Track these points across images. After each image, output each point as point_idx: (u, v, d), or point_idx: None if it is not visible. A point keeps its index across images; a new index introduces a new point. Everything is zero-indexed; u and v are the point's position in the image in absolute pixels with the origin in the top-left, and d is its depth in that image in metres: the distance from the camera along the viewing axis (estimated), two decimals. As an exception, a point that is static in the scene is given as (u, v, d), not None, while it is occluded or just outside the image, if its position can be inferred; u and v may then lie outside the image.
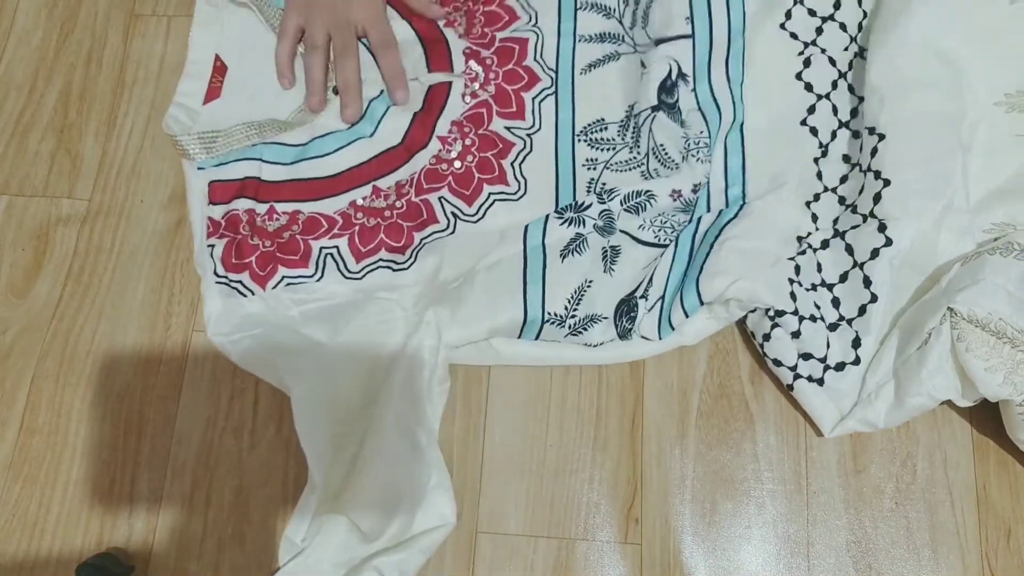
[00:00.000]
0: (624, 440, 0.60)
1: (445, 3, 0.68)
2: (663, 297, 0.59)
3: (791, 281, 0.59)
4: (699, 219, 0.62)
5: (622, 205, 0.62)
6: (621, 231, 0.62)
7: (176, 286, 0.65)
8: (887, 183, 0.59)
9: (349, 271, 0.61)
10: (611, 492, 0.59)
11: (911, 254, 0.59)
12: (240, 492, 0.60)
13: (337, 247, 0.62)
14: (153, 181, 0.68)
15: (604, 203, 0.62)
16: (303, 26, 0.66)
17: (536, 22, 0.67)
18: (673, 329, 0.59)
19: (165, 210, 0.67)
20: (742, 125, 0.65)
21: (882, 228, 0.59)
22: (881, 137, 0.60)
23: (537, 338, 0.59)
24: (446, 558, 0.58)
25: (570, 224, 0.61)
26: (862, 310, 0.58)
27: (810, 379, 0.58)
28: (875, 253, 0.58)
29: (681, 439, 0.60)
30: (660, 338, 0.59)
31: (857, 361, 0.58)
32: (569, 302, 0.59)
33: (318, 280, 0.61)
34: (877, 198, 0.59)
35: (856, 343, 0.58)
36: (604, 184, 0.63)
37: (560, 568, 0.58)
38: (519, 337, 0.60)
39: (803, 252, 0.60)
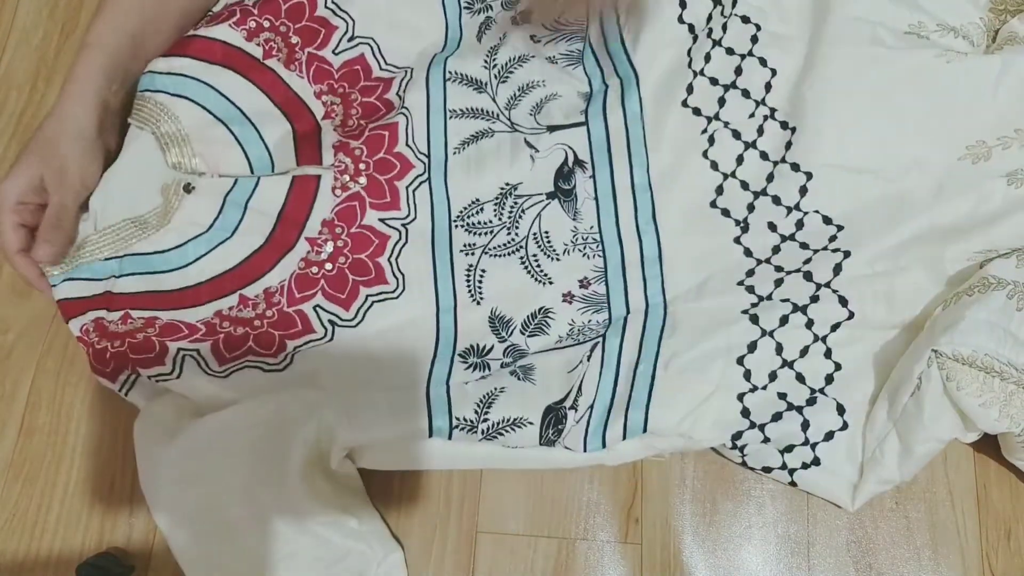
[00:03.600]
0: (624, 440, 0.60)
1: (319, 78, 0.65)
2: (591, 407, 0.56)
3: (740, 396, 0.57)
4: (623, 324, 0.59)
5: (524, 334, 0.60)
6: (535, 353, 0.59)
7: (176, 286, 0.64)
8: (847, 255, 0.59)
9: (211, 370, 0.58)
10: (611, 492, 0.59)
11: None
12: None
13: (198, 350, 0.58)
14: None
15: (504, 340, 0.60)
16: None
17: (404, 103, 0.63)
18: (604, 446, 0.56)
19: (165, 210, 0.67)
20: (654, 215, 0.62)
21: (843, 302, 0.58)
22: (831, 222, 0.60)
23: (451, 439, 0.56)
24: (446, 558, 0.58)
25: (475, 368, 0.59)
26: (828, 379, 0.57)
27: (805, 466, 0.57)
28: (835, 327, 0.58)
29: (681, 439, 0.60)
30: (584, 451, 0.56)
31: (845, 426, 0.57)
32: (478, 407, 0.55)
33: (177, 377, 0.57)
34: (837, 269, 0.59)
35: (840, 409, 0.57)
36: (483, 271, 0.61)
37: (560, 568, 0.58)
38: (431, 437, 0.56)
39: (756, 341, 0.58)
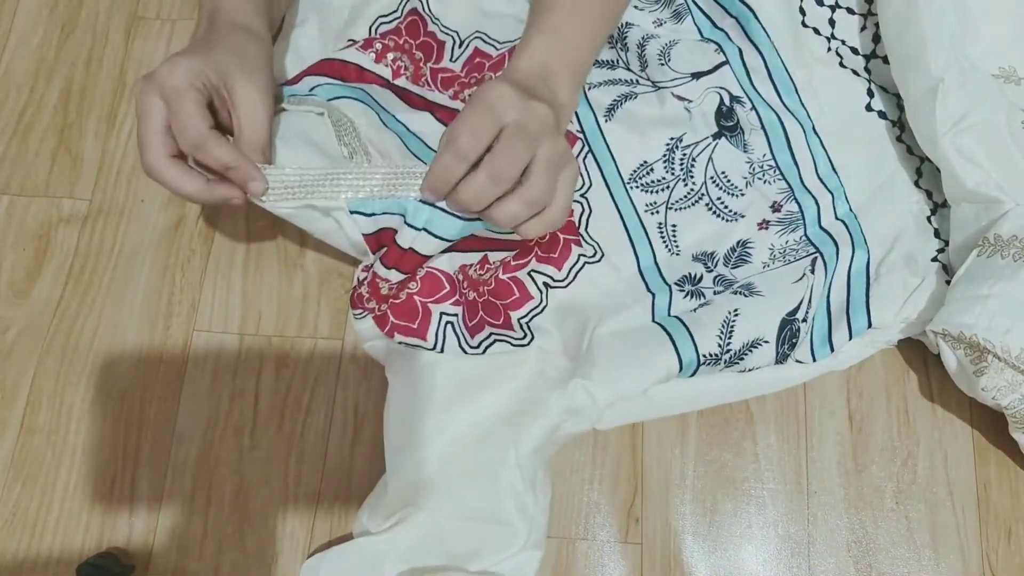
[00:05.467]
0: (625, 440, 0.60)
1: (447, 84, 0.65)
2: (815, 317, 0.59)
3: (948, 282, 0.59)
4: (836, 250, 0.61)
5: (727, 266, 0.61)
6: (745, 279, 0.60)
7: (176, 286, 0.65)
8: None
9: (470, 346, 0.59)
10: (612, 491, 0.59)
11: None
12: (240, 492, 0.60)
13: (457, 315, 0.59)
14: (153, 181, 0.67)
15: (712, 270, 0.61)
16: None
17: None
18: (832, 351, 0.59)
19: (165, 210, 0.67)
20: (815, 131, 0.64)
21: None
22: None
23: (693, 376, 0.58)
24: (446, 558, 0.58)
25: (691, 296, 0.60)
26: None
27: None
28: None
29: (682, 439, 0.60)
30: (814, 360, 0.59)
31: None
32: (720, 337, 0.57)
33: (439, 352, 0.58)
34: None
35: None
36: (674, 226, 0.62)
37: (560, 568, 0.58)
38: (680, 372, 0.58)
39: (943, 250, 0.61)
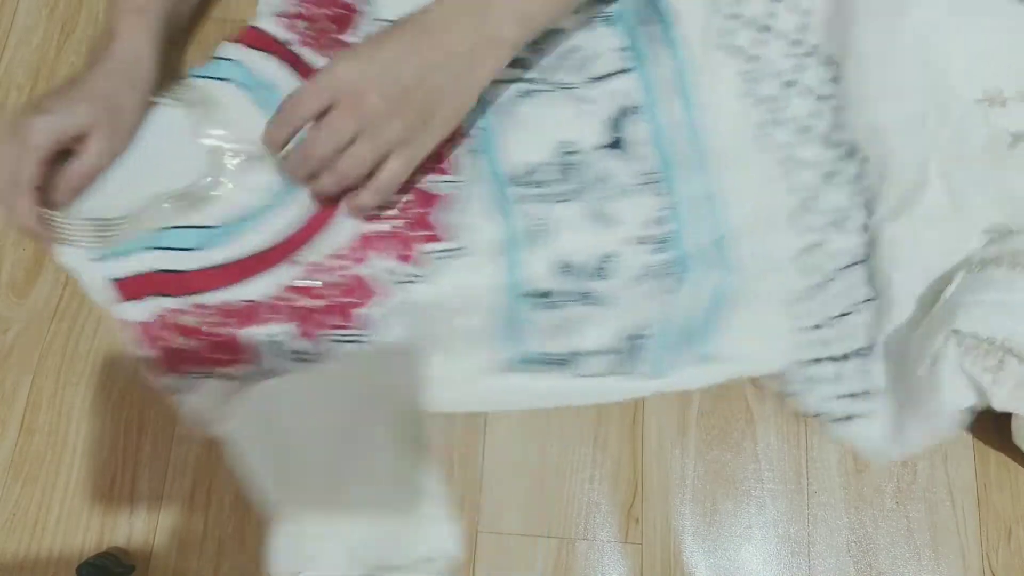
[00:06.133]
0: (625, 439, 0.60)
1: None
2: (658, 335, 0.59)
3: (800, 330, 0.58)
4: (694, 261, 0.61)
5: (591, 279, 0.61)
6: (606, 293, 0.60)
7: (176, 286, 0.64)
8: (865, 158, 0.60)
9: (304, 355, 0.58)
10: (611, 491, 0.59)
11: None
12: (241, 492, 0.59)
13: (282, 332, 0.58)
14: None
15: (576, 280, 0.60)
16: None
17: None
18: (666, 373, 0.58)
19: (165, 210, 0.67)
20: (706, 154, 0.63)
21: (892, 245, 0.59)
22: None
23: (525, 371, 0.58)
24: (446, 558, 0.58)
25: (547, 308, 0.60)
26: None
27: (848, 418, 0.57)
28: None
29: (682, 438, 0.60)
30: (656, 376, 0.59)
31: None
32: (559, 339, 0.57)
33: (264, 374, 0.57)
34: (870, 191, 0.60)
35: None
36: (546, 225, 0.61)
37: (560, 568, 0.58)
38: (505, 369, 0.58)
39: (809, 288, 0.60)
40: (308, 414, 0.56)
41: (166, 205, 0.59)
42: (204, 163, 0.60)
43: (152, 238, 0.58)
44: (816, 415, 0.58)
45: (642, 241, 0.61)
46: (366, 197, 0.57)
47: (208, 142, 0.61)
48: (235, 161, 0.59)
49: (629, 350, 0.58)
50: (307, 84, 0.54)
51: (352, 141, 0.54)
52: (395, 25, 0.55)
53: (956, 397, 0.54)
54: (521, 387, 0.59)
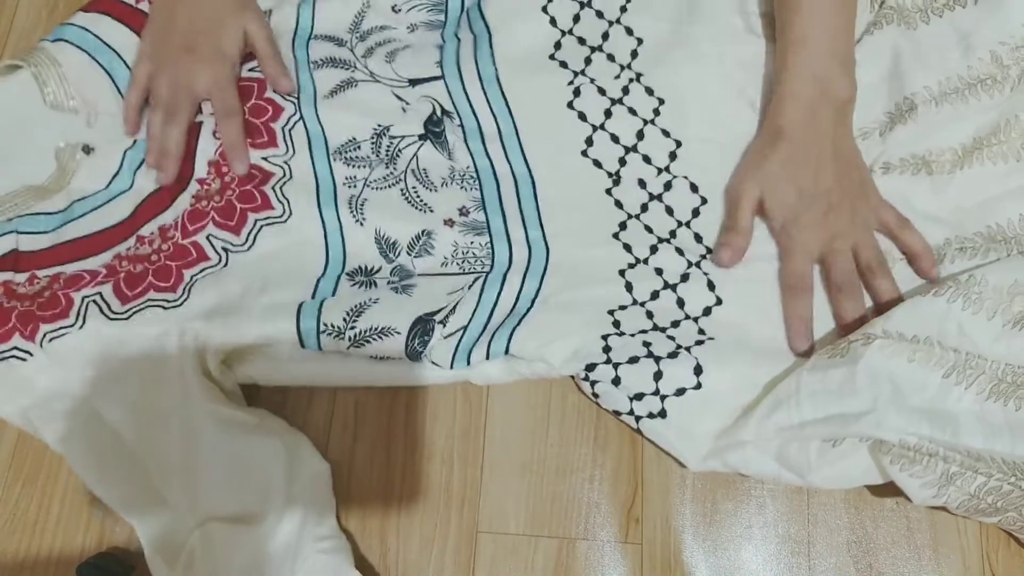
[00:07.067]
0: (625, 439, 0.60)
1: None
2: (464, 329, 0.58)
3: (605, 336, 0.57)
4: (505, 272, 0.60)
5: (410, 255, 0.62)
6: (420, 275, 0.61)
7: (176, 286, 0.65)
8: (704, 200, 0.62)
9: (114, 312, 0.58)
10: (612, 491, 0.59)
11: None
12: (240, 492, 0.60)
13: (100, 293, 0.59)
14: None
15: (392, 261, 0.61)
16: (152, 75, 0.64)
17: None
18: (469, 364, 0.58)
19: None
20: (526, 160, 0.64)
21: (711, 286, 0.59)
22: (697, 191, 0.62)
23: (320, 349, 0.58)
24: (446, 558, 0.58)
25: (362, 287, 0.60)
26: (699, 343, 0.58)
27: (651, 416, 0.56)
28: (707, 311, 0.59)
29: (681, 439, 0.60)
30: (451, 368, 0.58)
31: (699, 386, 0.56)
32: (348, 315, 0.57)
33: (80, 328, 0.57)
34: (695, 212, 0.61)
35: (698, 370, 0.56)
36: (365, 200, 0.63)
37: (560, 568, 0.58)
38: (302, 347, 0.58)
39: (628, 307, 0.59)
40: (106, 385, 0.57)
41: (18, 201, 0.62)
42: (56, 154, 0.64)
43: (6, 225, 0.61)
44: (620, 414, 0.58)
45: (455, 224, 0.62)
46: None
47: (47, 103, 0.64)
48: (80, 155, 0.63)
49: (420, 332, 0.57)
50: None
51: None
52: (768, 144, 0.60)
53: (851, 478, 0.55)
54: (324, 366, 0.59)
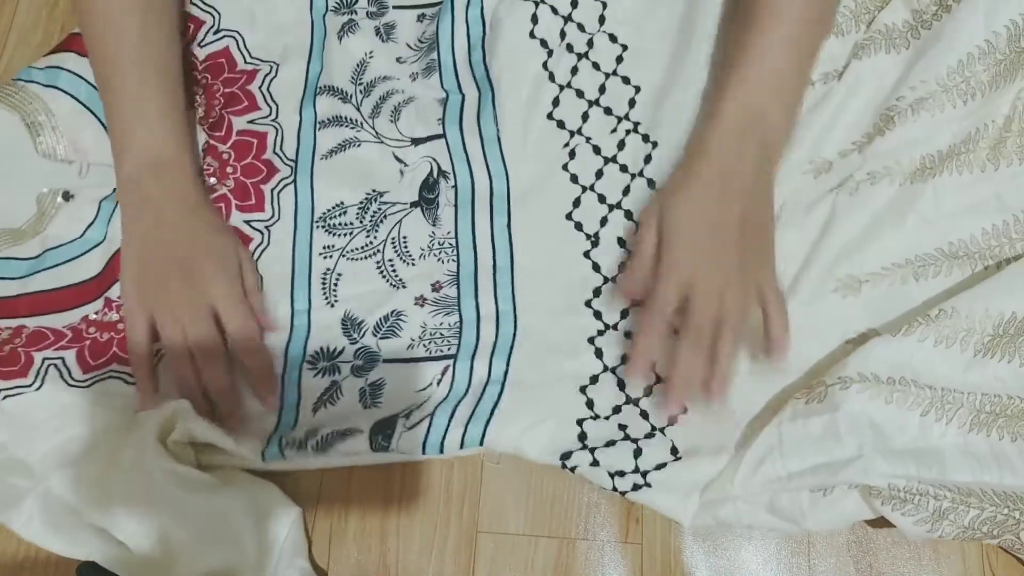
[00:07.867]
0: (624, 440, 0.60)
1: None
2: (432, 416, 0.56)
3: (580, 422, 0.57)
4: (475, 345, 0.59)
5: (376, 336, 0.60)
6: (386, 361, 0.60)
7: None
8: None
9: (74, 380, 0.58)
10: (612, 491, 0.59)
11: None
12: (240, 492, 0.59)
13: (63, 358, 0.58)
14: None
15: (356, 342, 0.60)
16: (152, 321, 0.58)
17: (276, 116, 0.66)
18: (442, 453, 0.56)
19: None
20: (509, 224, 0.63)
21: None
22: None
23: (284, 458, 0.57)
24: (446, 558, 0.58)
25: (324, 374, 0.60)
26: (672, 419, 0.57)
27: (636, 488, 0.56)
28: None
29: (681, 439, 0.60)
30: (423, 454, 0.57)
31: (679, 458, 0.56)
32: (308, 433, 0.57)
33: (36, 390, 0.57)
34: None
35: (674, 451, 0.56)
36: (339, 275, 0.62)
37: (560, 568, 0.58)
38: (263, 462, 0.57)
39: (599, 375, 0.59)
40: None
41: None
42: (37, 199, 0.63)
43: None
44: (608, 490, 0.56)
45: (426, 303, 0.61)
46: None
47: (39, 152, 0.64)
48: (59, 200, 0.63)
49: (384, 427, 0.56)
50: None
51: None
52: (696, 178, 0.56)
53: (846, 518, 0.55)
54: (296, 465, 0.58)
